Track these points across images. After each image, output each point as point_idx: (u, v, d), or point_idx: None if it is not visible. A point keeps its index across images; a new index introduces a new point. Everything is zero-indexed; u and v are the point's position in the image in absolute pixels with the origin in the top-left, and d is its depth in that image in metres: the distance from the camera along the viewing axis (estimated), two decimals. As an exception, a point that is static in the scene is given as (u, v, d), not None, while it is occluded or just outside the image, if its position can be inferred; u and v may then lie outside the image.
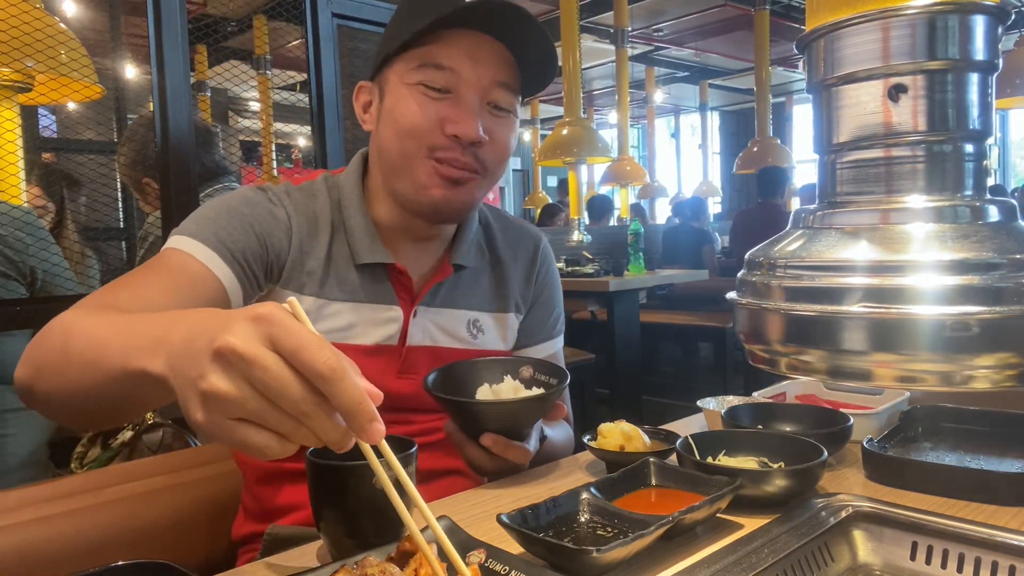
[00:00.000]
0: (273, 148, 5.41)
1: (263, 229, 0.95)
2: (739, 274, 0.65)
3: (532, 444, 0.95)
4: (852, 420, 1.00)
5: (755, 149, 6.37)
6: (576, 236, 5.07)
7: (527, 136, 11.36)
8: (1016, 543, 0.73)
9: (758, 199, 5.53)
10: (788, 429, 1.05)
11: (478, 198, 1.02)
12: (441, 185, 0.96)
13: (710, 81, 10.24)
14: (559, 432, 1.15)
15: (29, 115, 2.37)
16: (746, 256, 0.65)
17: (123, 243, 2.55)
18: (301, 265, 0.98)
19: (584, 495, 0.79)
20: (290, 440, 0.52)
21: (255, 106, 7.48)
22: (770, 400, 1.19)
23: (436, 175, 0.95)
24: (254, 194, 1.00)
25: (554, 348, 1.22)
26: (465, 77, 0.93)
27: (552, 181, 12.43)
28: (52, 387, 0.74)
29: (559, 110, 6.69)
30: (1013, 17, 0.56)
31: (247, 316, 0.51)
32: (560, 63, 5.04)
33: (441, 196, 0.97)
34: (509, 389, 0.97)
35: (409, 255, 1.05)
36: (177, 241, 0.91)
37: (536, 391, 0.98)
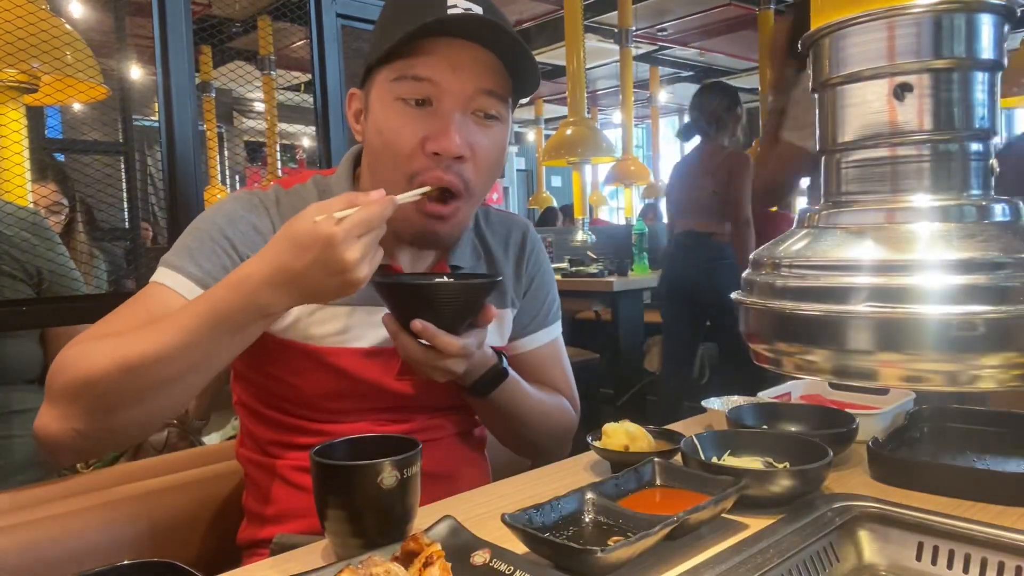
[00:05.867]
0: (278, 148, 5.42)
1: (246, 248, 0.95)
2: (744, 274, 0.65)
3: (467, 342, 0.91)
4: (857, 420, 1.00)
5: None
6: (580, 236, 5.07)
7: (531, 136, 11.35)
8: (1022, 543, 0.73)
9: None
10: (793, 429, 1.04)
11: (465, 222, 1.01)
12: (425, 217, 0.95)
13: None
14: (548, 397, 1.14)
15: (35, 116, 2.38)
16: (751, 256, 0.65)
17: (129, 243, 2.55)
18: None
19: (588, 495, 0.79)
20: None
21: (260, 107, 7.49)
22: (775, 400, 1.19)
23: (419, 210, 0.94)
24: (236, 206, 0.98)
25: (551, 336, 1.19)
26: (445, 87, 0.91)
27: (556, 181, 12.42)
28: (122, 418, 0.84)
29: (563, 110, 6.66)
30: (1019, 16, 0.56)
31: (330, 246, 0.77)
32: (564, 63, 5.04)
33: (428, 227, 0.96)
34: None
35: (405, 257, 1.04)
36: (162, 275, 0.92)
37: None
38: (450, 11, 0.89)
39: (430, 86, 0.91)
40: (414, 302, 0.91)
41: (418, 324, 0.88)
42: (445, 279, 0.97)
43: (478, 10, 0.91)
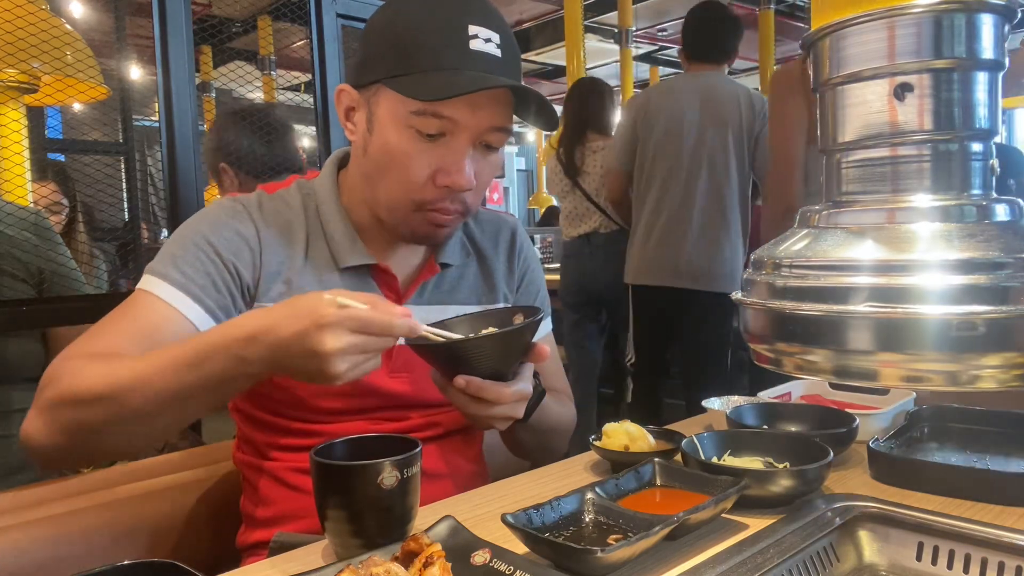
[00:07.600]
0: (278, 148, 5.40)
1: (230, 254, 0.95)
2: (744, 273, 0.65)
3: (520, 387, 0.91)
4: (857, 420, 1.00)
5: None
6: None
7: (531, 136, 11.35)
8: (1022, 543, 0.73)
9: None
10: (793, 429, 1.04)
11: (456, 231, 1.05)
12: (425, 228, 0.97)
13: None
14: (557, 404, 1.14)
15: (35, 116, 2.38)
16: (752, 255, 0.65)
17: (118, 244, 2.56)
18: (276, 276, 0.98)
19: (589, 495, 0.79)
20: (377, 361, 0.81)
21: (260, 107, 7.49)
22: (775, 400, 1.19)
23: (423, 222, 0.97)
24: (219, 213, 0.99)
25: (543, 331, 1.19)
26: (463, 124, 0.92)
27: (556, 181, 12.41)
28: (108, 441, 0.86)
29: (563, 110, 6.67)
30: (1020, 16, 0.56)
31: (317, 325, 0.75)
32: (564, 63, 5.04)
33: (424, 234, 0.99)
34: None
35: (394, 255, 1.05)
36: (147, 282, 0.93)
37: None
38: (471, 43, 0.90)
39: (449, 123, 0.92)
40: (454, 360, 0.88)
41: (461, 381, 0.86)
42: (482, 334, 0.91)
43: (496, 39, 0.93)
